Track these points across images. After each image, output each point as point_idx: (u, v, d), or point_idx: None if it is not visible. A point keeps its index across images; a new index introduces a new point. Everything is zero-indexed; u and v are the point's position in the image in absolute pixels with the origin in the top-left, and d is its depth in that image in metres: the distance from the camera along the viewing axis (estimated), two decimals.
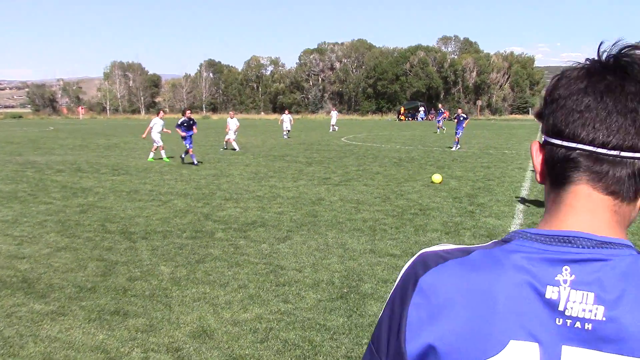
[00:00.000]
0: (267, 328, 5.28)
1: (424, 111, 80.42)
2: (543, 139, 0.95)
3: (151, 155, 21.16)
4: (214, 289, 6.37)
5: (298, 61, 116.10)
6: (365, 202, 11.98)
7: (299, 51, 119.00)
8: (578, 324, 0.83)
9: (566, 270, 0.85)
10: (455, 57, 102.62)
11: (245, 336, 5.09)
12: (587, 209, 0.89)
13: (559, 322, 0.84)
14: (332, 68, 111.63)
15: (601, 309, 0.82)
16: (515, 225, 9.79)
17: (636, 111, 0.87)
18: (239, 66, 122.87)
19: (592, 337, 0.82)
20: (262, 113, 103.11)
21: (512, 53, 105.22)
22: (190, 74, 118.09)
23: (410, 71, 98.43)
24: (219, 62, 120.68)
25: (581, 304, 0.83)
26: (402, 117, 78.45)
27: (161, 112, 23.53)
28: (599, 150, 0.88)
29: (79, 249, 8.12)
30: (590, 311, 0.83)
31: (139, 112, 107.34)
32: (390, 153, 23.93)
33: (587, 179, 0.89)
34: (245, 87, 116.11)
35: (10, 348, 4.87)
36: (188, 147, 19.38)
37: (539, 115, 0.97)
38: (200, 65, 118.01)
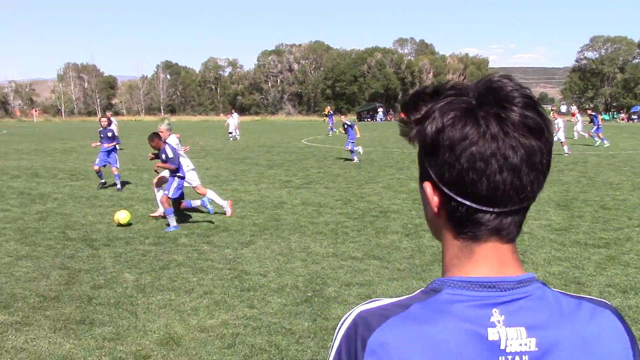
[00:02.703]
0: (234, 333, 5.37)
1: (383, 112, 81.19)
2: (440, 187, 0.98)
3: None
4: (179, 296, 6.42)
5: (256, 62, 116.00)
6: (327, 205, 12.13)
7: (257, 53, 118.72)
8: (517, 358, 0.94)
9: (496, 312, 0.95)
10: (412, 58, 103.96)
11: (212, 342, 5.18)
12: (497, 257, 0.99)
13: None
14: (290, 69, 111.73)
15: (533, 340, 0.95)
16: None
17: (529, 152, 0.94)
18: (197, 67, 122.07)
19: None
20: (221, 114, 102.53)
21: (466, 55, 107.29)
22: (147, 76, 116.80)
23: (368, 72, 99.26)
24: (176, 64, 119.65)
25: (517, 340, 0.94)
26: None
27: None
28: (505, 209, 0.96)
29: (40, 257, 8.05)
30: (526, 344, 0.94)
31: (95, 114, 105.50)
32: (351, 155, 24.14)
33: (496, 237, 0.98)
34: (203, 88, 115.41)
35: None
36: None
37: (424, 146, 0.99)
38: (157, 67, 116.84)
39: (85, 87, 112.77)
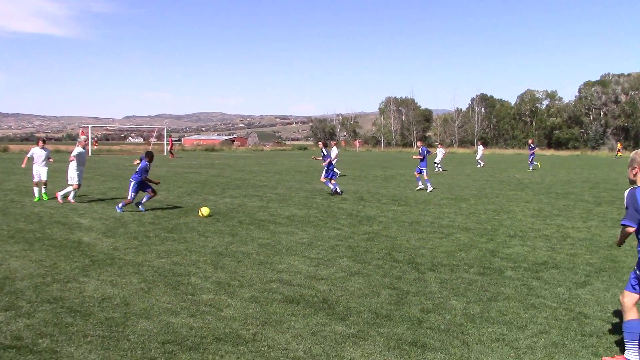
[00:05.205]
0: None
1: None
2: None
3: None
4: (511, 331, 6.00)
5: (577, 94, 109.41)
6: None
7: (578, 84, 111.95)
8: None
9: None
10: None
11: None
12: None
13: None
14: (616, 101, 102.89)
15: None
16: None
17: None
18: (512, 100, 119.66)
19: None
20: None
21: None
22: (461, 109, 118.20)
23: None
24: (491, 97, 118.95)
25: None
26: (620, 154, 69.73)
27: (40, 141, 18.08)
28: None
29: (370, 275, 8.37)
30: None
31: (411, 145, 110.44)
32: None
33: None
34: (518, 121, 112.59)
35: None
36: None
37: None
38: (472, 100, 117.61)
39: (403, 119, 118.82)
